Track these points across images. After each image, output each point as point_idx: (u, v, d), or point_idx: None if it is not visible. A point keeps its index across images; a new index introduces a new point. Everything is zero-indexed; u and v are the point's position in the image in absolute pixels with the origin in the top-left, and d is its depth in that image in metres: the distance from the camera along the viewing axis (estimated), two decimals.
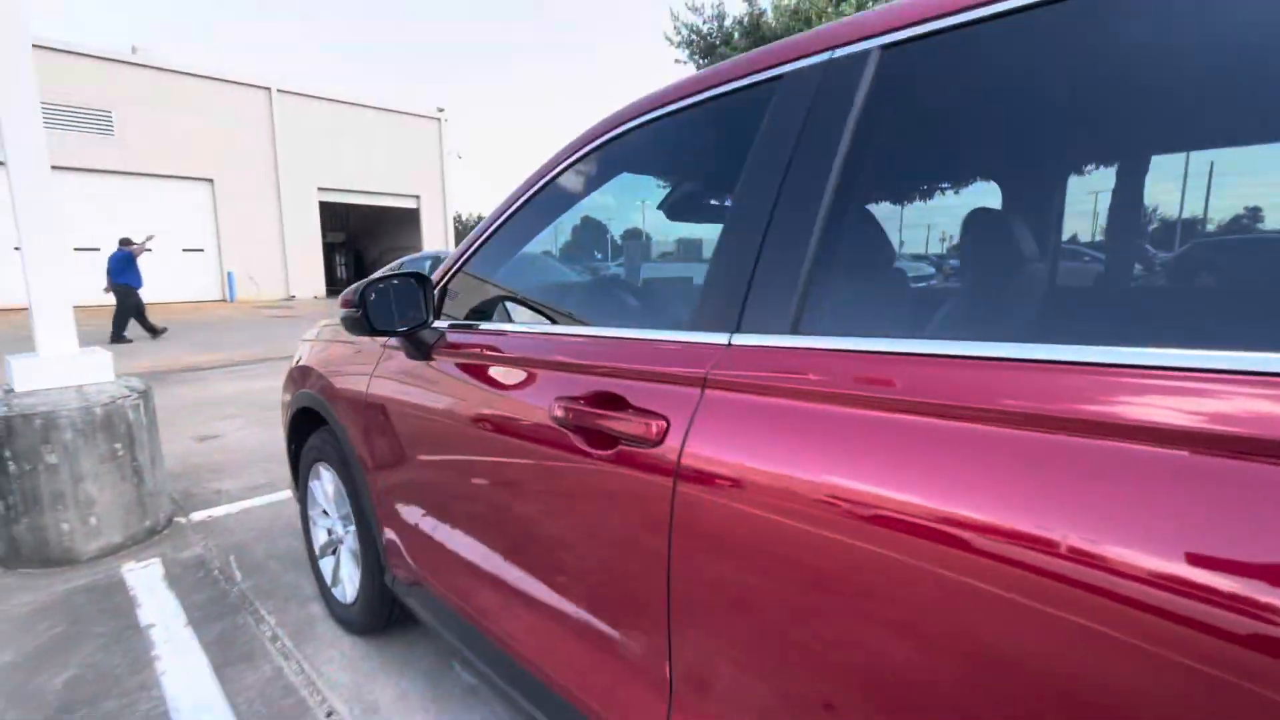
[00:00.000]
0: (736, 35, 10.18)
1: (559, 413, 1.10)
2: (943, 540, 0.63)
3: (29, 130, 2.67)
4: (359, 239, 29.40)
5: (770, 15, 9.60)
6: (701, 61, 10.97)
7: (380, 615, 2.01)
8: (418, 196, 24.21)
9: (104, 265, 10.07)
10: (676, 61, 11.15)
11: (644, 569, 0.97)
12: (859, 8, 7.95)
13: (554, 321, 1.55)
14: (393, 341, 1.67)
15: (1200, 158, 0.82)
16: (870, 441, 0.72)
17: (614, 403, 1.02)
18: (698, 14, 10.24)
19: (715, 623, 0.89)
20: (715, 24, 10.27)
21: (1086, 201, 0.97)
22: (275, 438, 4.51)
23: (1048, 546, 0.57)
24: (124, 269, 9.90)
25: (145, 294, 10.40)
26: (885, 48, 0.85)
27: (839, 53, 0.90)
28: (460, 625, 1.48)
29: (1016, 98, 0.83)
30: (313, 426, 2.22)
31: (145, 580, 2.54)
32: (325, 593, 2.30)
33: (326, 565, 2.28)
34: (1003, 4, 0.74)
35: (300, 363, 2.23)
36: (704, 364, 0.93)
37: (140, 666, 1.99)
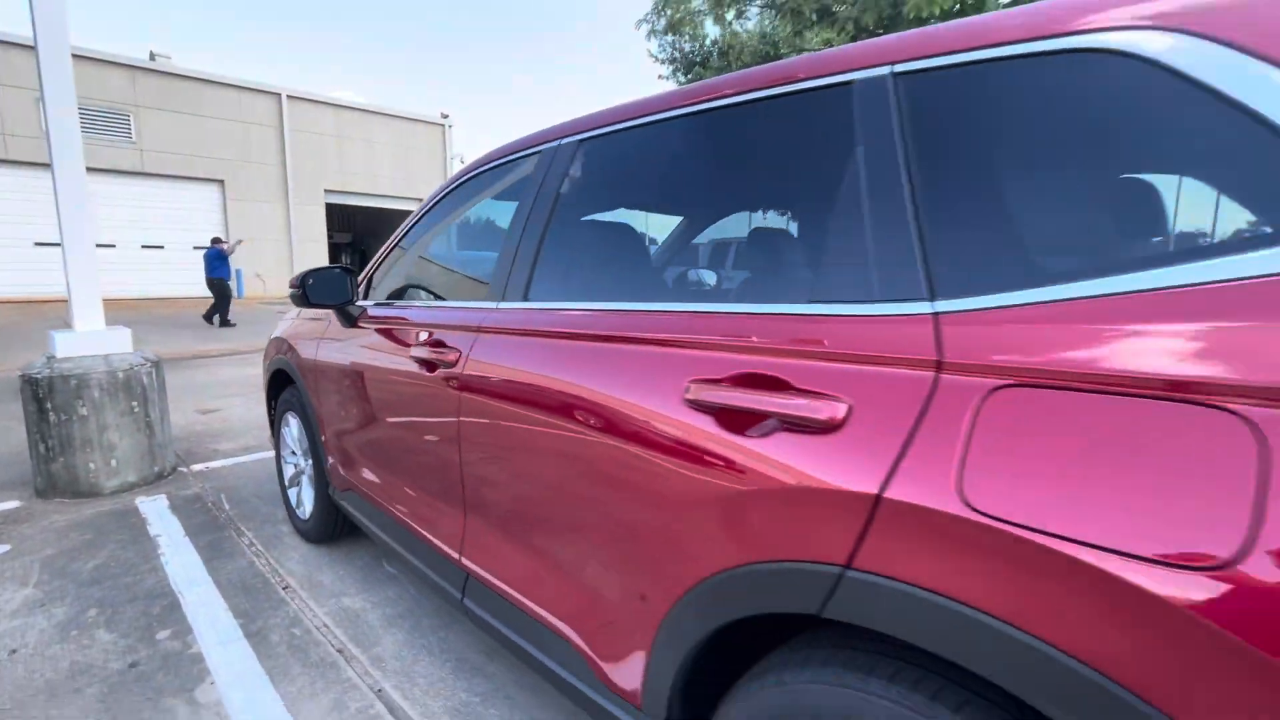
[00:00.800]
0: (715, 56, 10.88)
1: (415, 353, 1.77)
2: (575, 405, 1.28)
3: (71, 139, 3.36)
4: (364, 239, 30.21)
5: (744, 37, 10.26)
6: (684, 78, 11.65)
7: (328, 525, 2.68)
8: (421, 199, 25.01)
9: (199, 263, 11.15)
10: (660, 77, 11.81)
11: (447, 441, 1.63)
12: (825, 41, 8.58)
13: (430, 299, 2.22)
14: (335, 316, 2.34)
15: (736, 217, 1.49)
16: (547, 355, 1.38)
17: (438, 345, 1.69)
18: (668, 40, 10.85)
19: (481, 471, 1.55)
20: (695, 44, 10.99)
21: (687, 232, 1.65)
22: None
23: (625, 407, 1.21)
24: (217, 265, 11.02)
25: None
26: (580, 141, 1.51)
27: (560, 142, 1.56)
28: (367, 506, 2.16)
29: (640, 175, 1.49)
30: (284, 384, 2.90)
31: (154, 509, 3.23)
32: (291, 515, 2.97)
33: (293, 493, 2.95)
34: (627, 122, 1.40)
35: (276, 335, 2.92)
36: (480, 320, 1.59)
37: (149, 558, 2.67)
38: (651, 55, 12.61)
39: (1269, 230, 0.63)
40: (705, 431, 0.99)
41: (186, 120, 18.38)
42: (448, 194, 2.02)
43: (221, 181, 19.33)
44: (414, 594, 2.42)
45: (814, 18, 6.14)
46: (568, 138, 1.55)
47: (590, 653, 1.27)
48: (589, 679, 1.27)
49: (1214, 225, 0.80)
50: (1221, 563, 0.55)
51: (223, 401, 5.74)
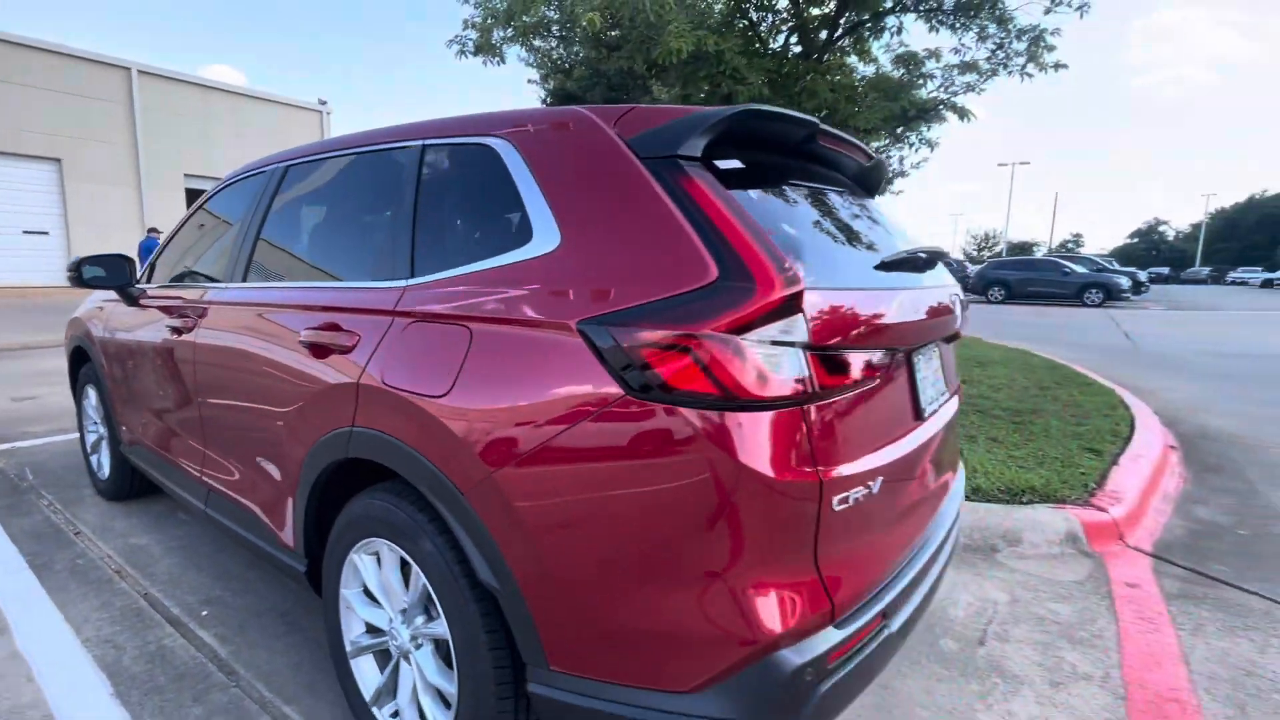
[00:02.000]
0: (583, 64, 11.50)
1: (167, 323, 2.26)
2: (250, 354, 1.84)
3: None
4: None
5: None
6: (547, 86, 12.23)
7: (124, 481, 3.05)
8: None
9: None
10: (530, 81, 12.27)
11: (188, 389, 2.14)
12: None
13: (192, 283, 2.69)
14: (119, 297, 2.74)
15: None
16: (240, 321, 1.93)
17: (182, 314, 2.20)
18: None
19: (210, 411, 2.08)
20: (563, 50, 11.55)
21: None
22: None
23: (277, 352, 1.78)
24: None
25: None
26: (288, 168, 2.07)
27: (282, 164, 2.12)
28: (145, 453, 2.60)
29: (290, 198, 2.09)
30: (83, 361, 3.22)
31: None
32: (93, 478, 3.29)
33: (94, 459, 3.27)
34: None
35: (74, 316, 3.23)
36: (211, 297, 2.12)
37: None
38: (521, 59, 13.07)
39: (496, 242, 1.33)
40: (305, 358, 1.61)
41: (13, 90, 16.64)
42: (203, 203, 2.52)
43: (59, 160, 17.64)
44: (199, 531, 2.86)
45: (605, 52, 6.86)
46: (281, 164, 2.11)
47: (270, 523, 1.85)
48: (274, 542, 1.85)
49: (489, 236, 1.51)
50: (440, 394, 1.24)
51: (41, 390, 5.68)
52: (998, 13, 5.11)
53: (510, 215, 1.34)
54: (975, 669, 1.94)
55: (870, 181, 1.85)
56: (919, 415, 1.40)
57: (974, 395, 5.01)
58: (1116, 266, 26.97)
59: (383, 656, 1.55)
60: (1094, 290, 19.44)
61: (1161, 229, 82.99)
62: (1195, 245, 64.69)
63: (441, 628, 1.30)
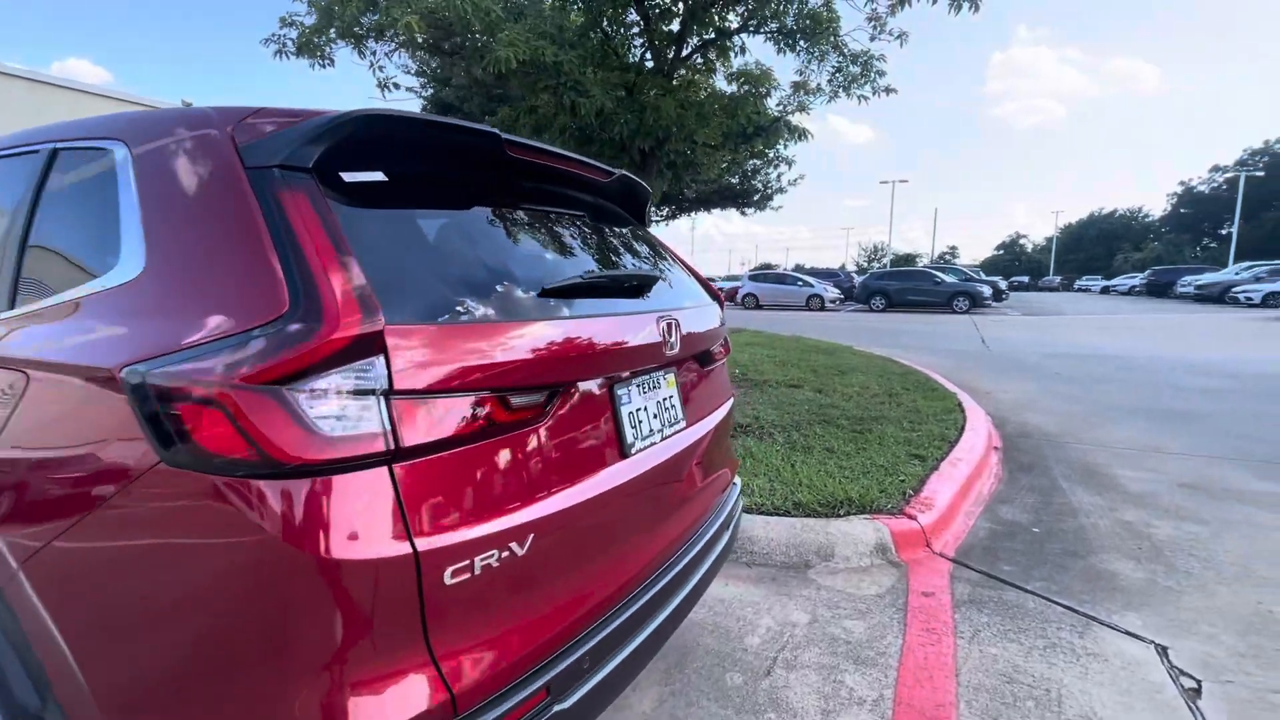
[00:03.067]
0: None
1: None
2: None
3: None
4: None
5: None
6: (424, 95, 11.78)
7: None
8: None
9: None
10: (409, 89, 11.76)
11: None
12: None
13: None
14: None
15: None
16: None
17: None
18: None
19: None
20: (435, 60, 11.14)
21: None
22: None
23: None
24: None
25: None
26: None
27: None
28: None
29: None
30: None
31: None
32: None
33: None
34: None
35: None
36: None
37: None
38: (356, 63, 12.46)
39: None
40: None
41: None
42: None
43: None
44: None
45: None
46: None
47: None
48: None
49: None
50: None
51: None
52: (833, 39, 5.34)
53: (108, 235, 1.10)
54: (754, 705, 1.86)
55: (627, 203, 1.75)
56: (623, 451, 1.28)
57: (824, 405, 5.16)
58: (983, 276, 29.62)
59: None
60: (961, 298, 21.14)
61: (1022, 242, 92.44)
62: (1049, 256, 72.50)
63: None
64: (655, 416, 1.41)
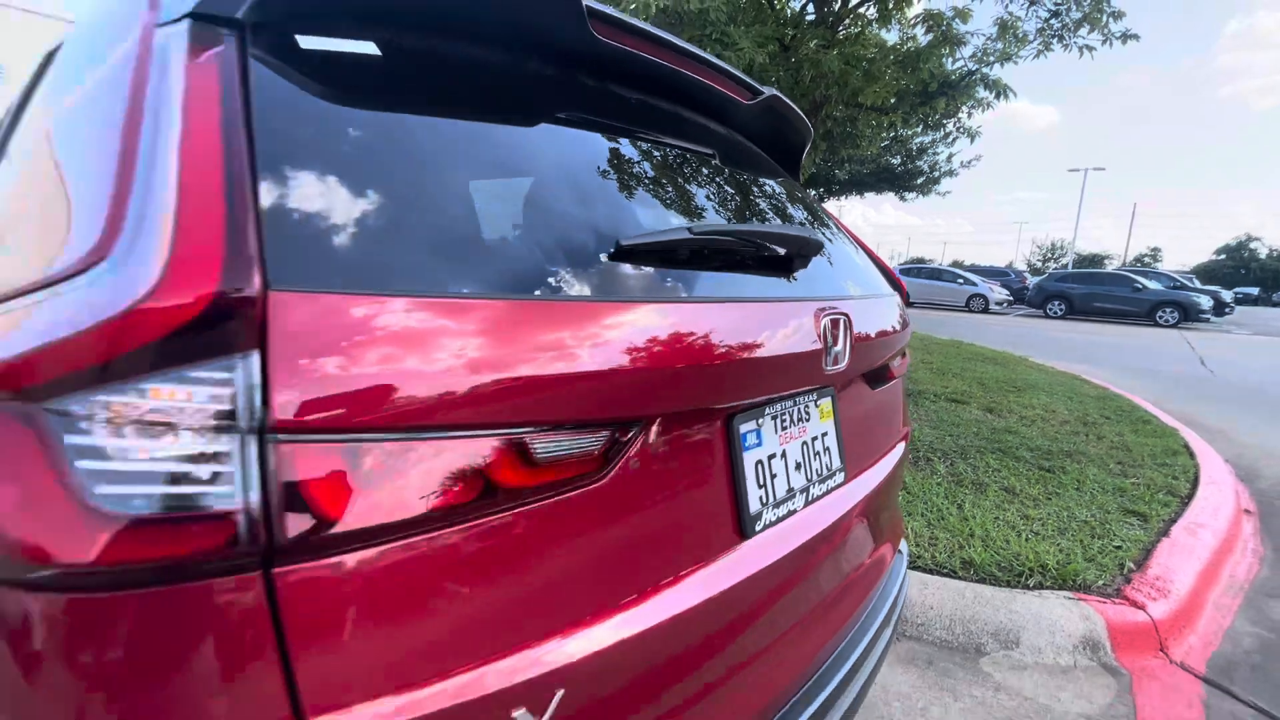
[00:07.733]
0: None
1: None
2: None
3: None
4: None
5: None
6: None
7: None
8: None
9: None
10: None
11: None
12: None
13: None
14: None
15: None
16: None
17: None
18: None
19: None
20: None
21: None
22: None
23: None
24: None
25: None
26: None
27: None
28: None
29: None
30: None
31: None
32: None
33: None
34: None
35: None
36: None
37: None
38: None
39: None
40: None
41: None
42: None
43: None
44: None
45: None
46: None
47: None
48: None
49: None
50: None
51: None
52: None
53: None
54: None
55: (775, 145, 1.22)
56: (743, 528, 0.78)
57: (998, 428, 4.22)
58: (1197, 284, 24.67)
59: None
60: (1169, 309, 17.66)
61: (1253, 245, 76.64)
62: None
63: None
64: (799, 468, 0.89)
